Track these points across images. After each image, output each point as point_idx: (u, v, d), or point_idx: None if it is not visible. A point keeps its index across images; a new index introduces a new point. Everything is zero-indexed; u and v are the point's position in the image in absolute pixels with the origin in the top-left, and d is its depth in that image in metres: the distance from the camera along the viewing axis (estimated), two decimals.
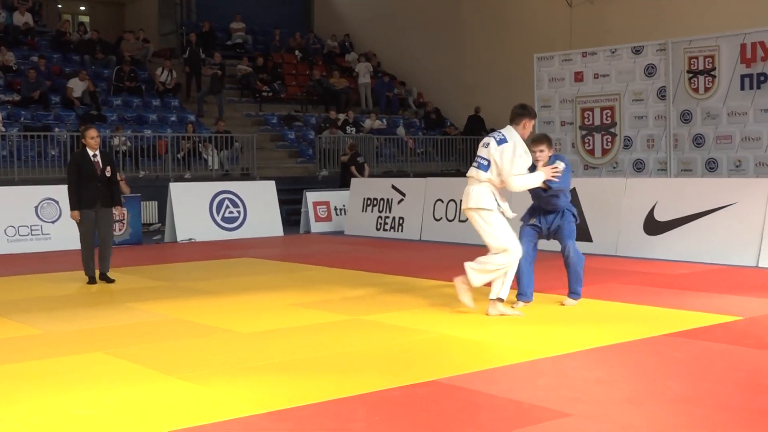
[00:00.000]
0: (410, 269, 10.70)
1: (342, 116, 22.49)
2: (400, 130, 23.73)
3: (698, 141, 14.36)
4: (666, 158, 14.65)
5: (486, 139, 7.38)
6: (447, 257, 12.13)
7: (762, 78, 13.60)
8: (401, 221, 15.13)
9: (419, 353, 6.10)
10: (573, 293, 7.69)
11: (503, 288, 7.31)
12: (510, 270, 7.31)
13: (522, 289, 7.61)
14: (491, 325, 6.93)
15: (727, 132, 14.05)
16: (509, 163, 7.18)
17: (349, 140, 20.37)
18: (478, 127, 24.06)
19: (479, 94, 24.66)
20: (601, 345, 6.18)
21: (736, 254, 10.39)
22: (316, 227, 16.52)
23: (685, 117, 14.50)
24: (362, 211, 15.92)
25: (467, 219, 7.73)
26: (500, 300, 7.33)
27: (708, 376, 5.30)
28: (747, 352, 5.88)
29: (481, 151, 7.34)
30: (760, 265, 10.14)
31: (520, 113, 7.31)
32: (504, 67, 23.88)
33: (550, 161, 7.54)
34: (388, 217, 15.40)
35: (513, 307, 7.50)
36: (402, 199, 15.26)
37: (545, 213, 7.71)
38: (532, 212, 7.82)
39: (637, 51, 15.01)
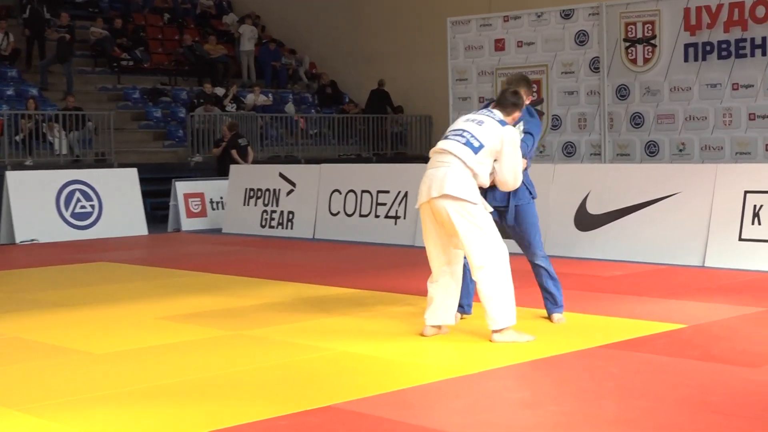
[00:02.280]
0: (302, 274, 10.68)
1: (219, 90, 22.28)
2: (290, 108, 23.65)
3: (636, 121, 14.72)
4: (600, 141, 14.99)
5: (475, 115, 6.94)
6: (346, 259, 12.15)
7: (708, 48, 14.03)
8: (291, 216, 15.09)
9: (313, 374, 6.10)
10: (561, 306, 7.50)
11: (509, 306, 6.74)
12: (509, 278, 6.77)
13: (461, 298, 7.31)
14: (400, 340, 6.97)
15: (669, 110, 14.44)
16: (518, 158, 6.87)
17: (228, 119, 20.20)
18: (383, 104, 24.18)
19: (383, 64, 24.76)
20: (526, 360, 6.28)
21: (679, 252, 10.69)
22: (188, 224, 16.34)
23: (622, 93, 14.85)
24: (244, 204, 15.82)
25: (414, 214, 7.35)
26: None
27: (648, 393, 5.44)
28: (692, 365, 6.06)
29: (470, 126, 6.82)
30: (706, 264, 10.46)
31: (515, 103, 7.00)
32: (412, 33, 24.03)
33: (522, 117, 7.19)
34: (275, 212, 15.34)
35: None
36: (292, 190, 15.22)
37: (492, 186, 7.14)
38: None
39: (566, 15, 15.30)
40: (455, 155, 6.73)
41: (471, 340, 6.91)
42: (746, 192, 10.37)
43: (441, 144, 6.87)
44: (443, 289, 7.00)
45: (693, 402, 5.24)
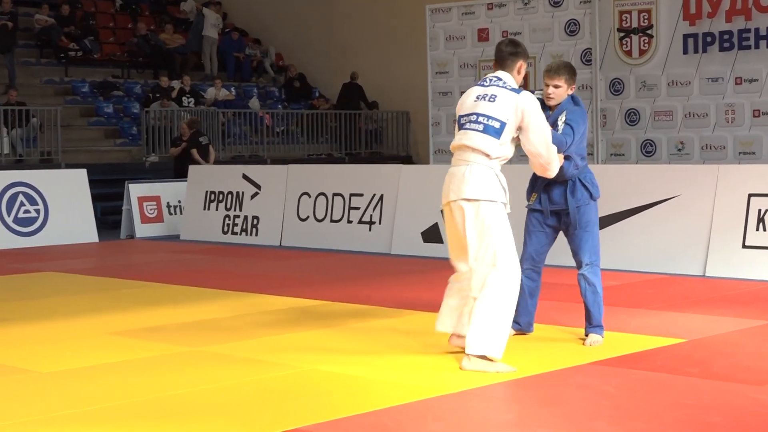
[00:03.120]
0: (268, 285, 10.67)
1: (177, 84, 22.22)
2: (254, 103, 23.61)
3: (632, 118, 14.80)
4: (593, 139, 15.06)
5: (484, 89, 6.68)
6: (316, 269, 12.14)
7: (709, 39, 14.12)
8: (255, 222, 15.07)
9: (279, 394, 6.09)
10: (598, 326, 7.27)
11: (497, 334, 6.45)
12: (510, 304, 6.55)
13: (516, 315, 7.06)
14: (375, 357, 6.97)
15: (667, 106, 14.53)
16: (545, 125, 6.63)
17: (188, 115, 20.13)
18: (356, 99, 24.17)
19: (356, 56, 24.75)
20: (513, 378, 6.29)
21: (678, 261, 10.74)
22: (143, 230, 16.28)
23: (616, 87, 14.93)
24: (204, 208, 15.78)
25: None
26: (485, 357, 6.45)
27: (645, 413, 5.47)
28: (692, 383, 6.10)
29: (482, 107, 6.60)
30: (707, 274, 10.52)
31: (513, 52, 6.82)
32: (388, 22, 24.04)
33: (565, 104, 7.08)
34: (238, 217, 15.31)
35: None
36: (256, 193, 15.19)
37: (547, 185, 6.98)
38: (533, 184, 7.11)
39: (556, 3, 15.36)
40: (470, 147, 6.57)
41: (452, 357, 6.91)
42: (750, 195, 10.43)
43: (460, 139, 6.66)
44: (458, 292, 6.80)
45: (693, 423, 5.26)
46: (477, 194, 6.49)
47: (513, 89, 6.66)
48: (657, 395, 5.83)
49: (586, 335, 7.27)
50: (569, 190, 7.09)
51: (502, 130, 6.54)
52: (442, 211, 6.91)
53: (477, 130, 6.57)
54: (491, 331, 6.41)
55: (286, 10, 26.55)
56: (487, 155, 6.54)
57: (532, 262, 7.29)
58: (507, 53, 6.82)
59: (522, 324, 7.36)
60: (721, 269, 10.40)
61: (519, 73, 6.82)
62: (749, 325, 7.84)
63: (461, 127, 6.71)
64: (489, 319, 6.43)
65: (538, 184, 7.18)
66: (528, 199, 7.20)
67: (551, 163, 6.71)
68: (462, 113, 6.76)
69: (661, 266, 10.78)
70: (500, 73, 6.79)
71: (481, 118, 6.58)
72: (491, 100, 6.60)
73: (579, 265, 7.25)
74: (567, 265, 11.23)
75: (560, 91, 7.06)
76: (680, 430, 5.15)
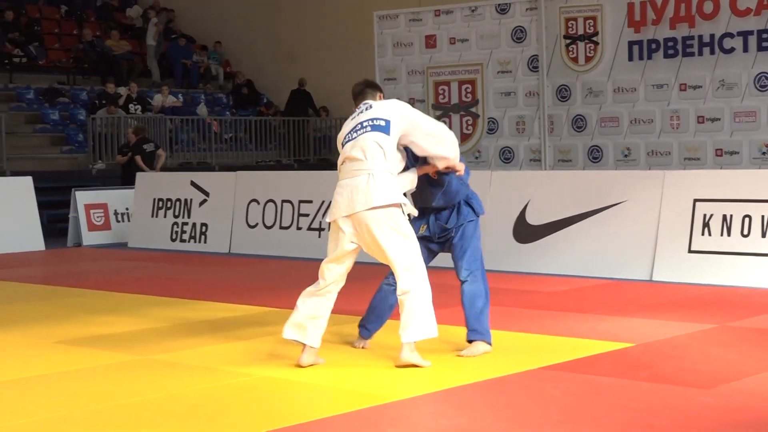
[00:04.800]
0: (217, 292, 10.63)
1: (123, 90, 22.08)
2: (202, 109, 23.52)
3: (578, 124, 14.92)
4: (540, 145, 15.16)
5: (354, 115, 6.84)
6: (265, 276, 12.12)
7: (653, 46, 14.28)
8: (204, 229, 15.00)
9: (228, 402, 6.08)
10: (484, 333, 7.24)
11: (431, 318, 6.72)
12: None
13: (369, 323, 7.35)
14: (325, 364, 6.96)
15: (613, 113, 14.66)
16: (430, 119, 6.94)
17: (134, 122, 20.00)
18: (304, 105, 24.16)
19: (304, 62, 24.74)
20: (462, 384, 6.32)
21: (625, 266, 10.83)
22: (90, 238, 16.16)
23: (563, 94, 15.04)
24: (152, 216, 15.69)
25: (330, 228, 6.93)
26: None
27: (592, 417, 5.52)
28: (639, 387, 6.16)
29: (360, 118, 6.76)
30: (654, 278, 10.61)
31: (370, 84, 7.13)
32: (336, 28, 24.06)
33: None
34: (186, 224, 15.24)
35: (355, 345, 7.46)
36: (205, 200, 15.13)
37: (435, 211, 7.20)
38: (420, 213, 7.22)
39: (502, 10, 15.45)
40: (370, 149, 6.62)
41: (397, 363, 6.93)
42: (696, 200, 10.54)
43: (348, 150, 6.71)
44: (325, 305, 6.90)
45: (639, 426, 5.32)
46: (384, 199, 6.58)
47: (387, 99, 6.99)
48: (605, 399, 5.88)
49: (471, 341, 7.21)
50: (455, 212, 7.19)
51: (389, 126, 6.67)
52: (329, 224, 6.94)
53: (365, 131, 6.68)
54: (430, 315, 6.66)
55: (233, 16, 26.48)
56: (384, 151, 6.62)
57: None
58: (364, 86, 7.09)
59: (371, 330, 7.39)
60: (668, 274, 10.50)
61: (381, 99, 7.06)
62: (696, 329, 7.92)
63: (346, 142, 6.77)
64: (427, 305, 6.65)
65: (426, 213, 7.25)
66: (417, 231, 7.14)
67: (443, 152, 6.86)
68: (344, 136, 6.82)
69: (608, 271, 10.86)
70: (365, 102, 6.95)
71: (364, 123, 6.72)
72: (367, 109, 6.81)
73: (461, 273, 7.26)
74: (516, 271, 11.31)
75: None
76: None
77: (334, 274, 6.87)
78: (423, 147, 6.85)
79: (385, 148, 6.66)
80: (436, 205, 7.17)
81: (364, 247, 6.77)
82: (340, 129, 7.07)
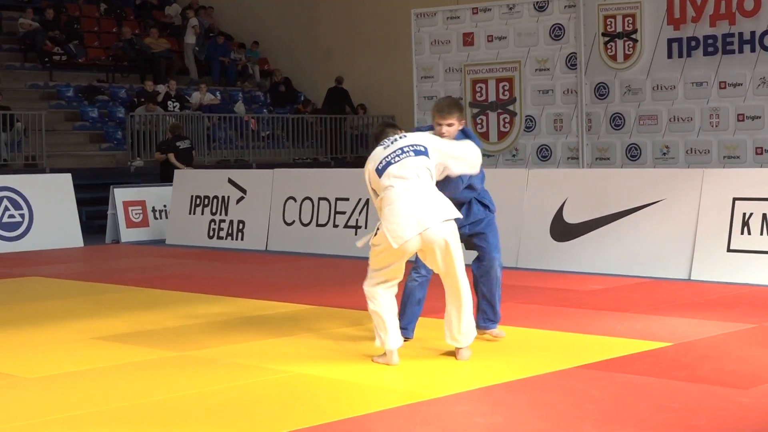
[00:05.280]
0: (253, 290, 10.65)
1: (162, 88, 22.19)
2: (239, 107, 23.59)
3: (617, 122, 14.84)
4: (578, 143, 15.09)
5: (388, 143, 6.97)
6: (301, 273, 12.13)
7: (693, 43, 14.18)
8: (241, 226, 15.05)
9: (265, 399, 6.09)
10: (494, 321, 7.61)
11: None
12: None
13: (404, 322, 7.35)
14: (360, 361, 6.97)
15: (651, 111, 14.57)
16: (453, 143, 7.14)
17: (172, 119, 20.10)
18: (341, 103, 24.16)
19: (342, 60, 24.76)
20: (498, 382, 6.30)
21: (663, 265, 10.76)
22: (128, 235, 16.25)
23: (601, 92, 14.97)
24: (189, 213, 15.75)
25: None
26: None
27: (630, 417, 5.48)
28: (677, 387, 6.12)
29: (396, 145, 6.91)
30: (692, 277, 10.54)
31: (391, 125, 7.34)
32: (373, 26, 24.05)
33: (457, 138, 7.41)
34: (223, 221, 15.29)
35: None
36: (242, 198, 15.18)
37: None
38: None
39: (540, 8, 15.40)
40: (420, 170, 6.82)
41: (435, 360, 6.92)
42: (735, 199, 10.46)
43: (396, 171, 6.81)
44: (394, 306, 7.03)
45: (678, 426, 5.28)
46: (450, 213, 6.80)
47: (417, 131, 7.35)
48: (642, 399, 5.85)
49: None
50: (466, 208, 7.40)
51: (427, 152, 6.89)
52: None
53: (409, 156, 6.84)
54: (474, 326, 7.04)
55: (271, 15, 26.54)
56: (430, 172, 6.86)
57: (426, 270, 7.34)
58: (384, 126, 7.28)
59: (409, 330, 7.43)
60: (707, 273, 10.43)
61: None
62: (734, 329, 7.86)
63: (387, 164, 6.87)
64: (472, 317, 7.02)
65: None
66: None
67: (459, 168, 7.12)
68: (380, 162, 6.94)
69: (646, 270, 10.80)
70: (396, 133, 7.13)
71: (404, 149, 6.88)
72: (401, 137, 7.00)
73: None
74: (553, 270, 11.26)
75: (453, 128, 7.31)
76: None
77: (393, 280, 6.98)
78: (453, 170, 7.10)
79: (431, 170, 6.88)
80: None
81: (428, 257, 6.89)
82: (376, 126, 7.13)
